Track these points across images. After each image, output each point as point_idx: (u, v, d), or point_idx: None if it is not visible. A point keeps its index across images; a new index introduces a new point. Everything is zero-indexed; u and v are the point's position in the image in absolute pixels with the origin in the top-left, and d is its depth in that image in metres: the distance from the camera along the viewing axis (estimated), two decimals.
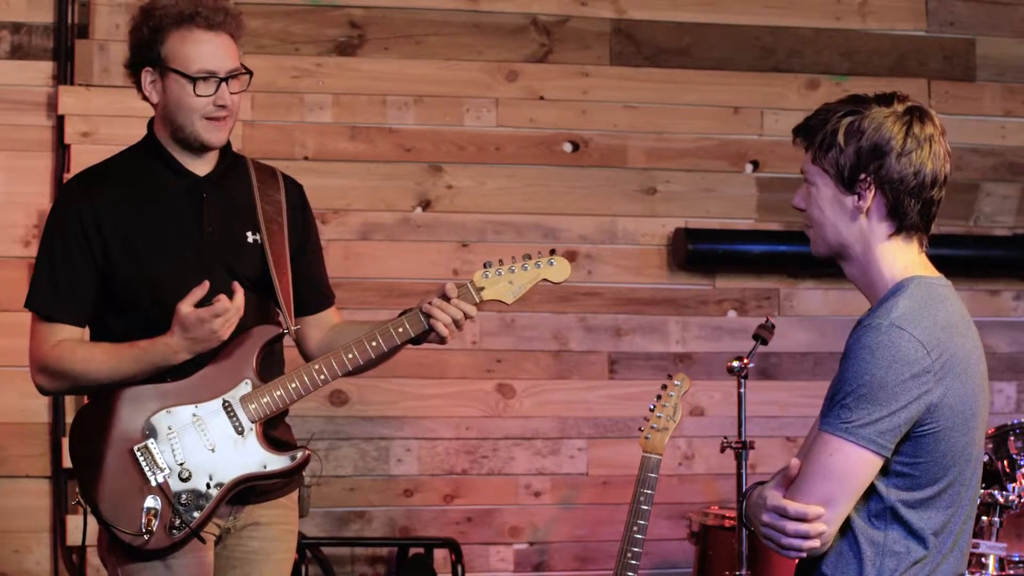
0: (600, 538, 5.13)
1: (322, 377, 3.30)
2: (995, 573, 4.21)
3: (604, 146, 5.21)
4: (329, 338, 3.48)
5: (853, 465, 2.48)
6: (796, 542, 2.52)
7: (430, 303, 3.32)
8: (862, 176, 2.56)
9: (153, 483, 3.19)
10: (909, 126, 2.56)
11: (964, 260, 5.33)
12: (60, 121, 4.83)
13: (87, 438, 3.23)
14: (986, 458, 4.28)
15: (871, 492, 2.53)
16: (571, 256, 5.10)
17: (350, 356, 3.31)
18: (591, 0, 5.22)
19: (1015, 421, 4.41)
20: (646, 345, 5.23)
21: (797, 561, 2.63)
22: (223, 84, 3.28)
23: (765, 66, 5.34)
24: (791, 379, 5.31)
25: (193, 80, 3.25)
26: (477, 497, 5.11)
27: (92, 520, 3.22)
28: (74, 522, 4.72)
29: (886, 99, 2.60)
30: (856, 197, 2.58)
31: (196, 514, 3.20)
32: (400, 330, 3.33)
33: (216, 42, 3.28)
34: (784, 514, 2.52)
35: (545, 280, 3.42)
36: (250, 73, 3.36)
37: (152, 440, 3.21)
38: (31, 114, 4.83)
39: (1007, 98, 5.47)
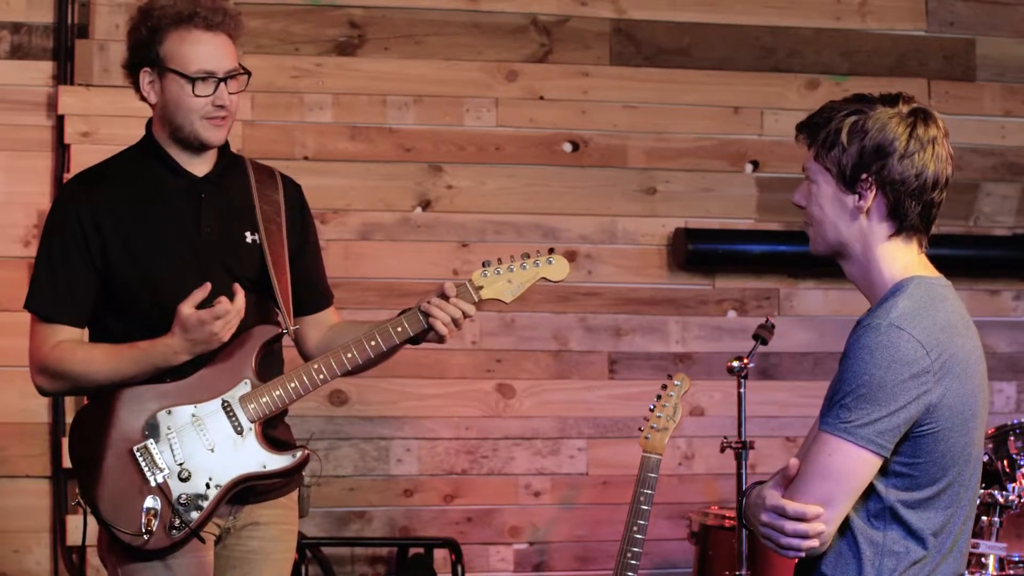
0: (600, 538, 5.13)
1: (321, 377, 3.30)
2: (995, 573, 4.21)
3: (604, 146, 5.21)
4: (328, 338, 3.48)
5: (852, 465, 2.48)
6: (795, 542, 2.52)
7: (429, 302, 3.32)
8: (864, 176, 2.56)
9: (153, 483, 3.19)
10: (913, 128, 2.56)
11: (964, 260, 5.33)
12: (60, 121, 4.83)
13: (87, 438, 3.23)
14: (986, 458, 4.29)
15: (870, 492, 2.53)
16: (571, 256, 5.10)
17: (349, 356, 3.31)
18: (591, 0, 5.22)
19: (1015, 421, 4.41)
20: (646, 345, 5.23)
21: (796, 561, 2.63)
22: (222, 84, 3.28)
23: (765, 66, 5.34)
24: (791, 379, 5.31)
25: (192, 80, 3.26)
26: (477, 497, 5.11)
27: (92, 520, 3.22)
28: (74, 522, 4.72)
29: (891, 99, 2.60)
30: (857, 197, 2.58)
31: (196, 514, 3.20)
32: (399, 329, 3.33)
33: (215, 42, 3.28)
34: (783, 514, 2.52)
35: (544, 279, 3.42)
36: (248, 73, 3.36)
37: (152, 440, 3.21)
38: (31, 114, 4.83)
39: (1007, 98, 5.47)
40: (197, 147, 3.33)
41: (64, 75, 4.84)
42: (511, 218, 5.14)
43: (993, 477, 4.34)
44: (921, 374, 2.47)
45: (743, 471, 4.31)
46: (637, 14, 5.25)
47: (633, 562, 4.09)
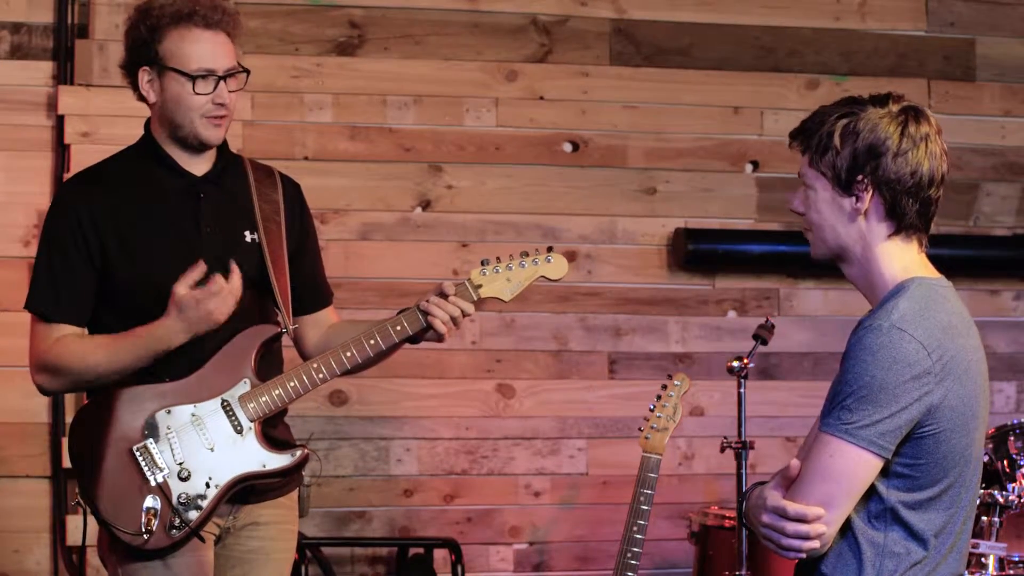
0: (600, 538, 5.13)
1: (321, 376, 3.30)
2: (995, 573, 4.21)
3: (604, 146, 5.21)
4: (327, 337, 3.48)
5: (853, 466, 2.48)
6: (796, 543, 2.52)
7: (428, 301, 3.33)
8: (859, 177, 2.56)
9: (152, 483, 3.19)
10: (904, 126, 2.56)
11: (964, 260, 5.33)
12: (60, 121, 4.83)
13: (86, 438, 3.23)
14: (986, 458, 4.29)
15: (871, 493, 2.53)
16: (571, 256, 5.10)
17: (348, 355, 3.31)
18: (591, 0, 5.22)
19: (1015, 421, 4.41)
20: (646, 345, 5.23)
21: (796, 561, 2.63)
22: (221, 82, 3.28)
23: (765, 66, 5.34)
24: (791, 379, 5.31)
25: (192, 78, 3.26)
26: (477, 497, 5.11)
27: (92, 520, 3.22)
28: (74, 522, 4.72)
29: (881, 100, 2.60)
30: (854, 199, 2.58)
31: (195, 513, 3.20)
32: (398, 328, 3.33)
33: (214, 40, 3.28)
34: (784, 515, 2.52)
35: (543, 277, 3.42)
36: (247, 72, 3.36)
37: (151, 440, 3.21)
38: (31, 114, 4.83)
39: (1007, 98, 5.47)
40: (196, 146, 3.33)
41: (64, 75, 4.84)
42: (511, 218, 5.14)
43: (993, 477, 4.34)
44: (922, 375, 2.47)
45: (743, 471, 4.32)
46: (637, 14, 5.25)
47: (633, 562, 4.09)
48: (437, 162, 5.10)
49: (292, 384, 3.29)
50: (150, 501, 3.17)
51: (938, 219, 2.64)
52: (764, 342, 4.29)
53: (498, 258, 3.41)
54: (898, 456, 2.50)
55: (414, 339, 3.37)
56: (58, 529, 4.79)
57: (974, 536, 4.15)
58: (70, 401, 4.74)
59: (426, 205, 5.09)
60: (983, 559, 4.21)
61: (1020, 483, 4.30)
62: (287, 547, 3.44)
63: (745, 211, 5.30)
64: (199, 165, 3.37)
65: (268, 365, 3.35)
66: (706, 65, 5.30)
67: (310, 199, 3.56)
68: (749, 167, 5.31)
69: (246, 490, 3.30)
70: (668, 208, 5.25)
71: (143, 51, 3.29)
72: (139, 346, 3.22)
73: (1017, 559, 4.27)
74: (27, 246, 4.73)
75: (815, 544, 2.51)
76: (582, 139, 5.20)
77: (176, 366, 3.25)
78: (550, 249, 3.44)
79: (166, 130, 3.33)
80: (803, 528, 2.50)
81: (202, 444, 3.23)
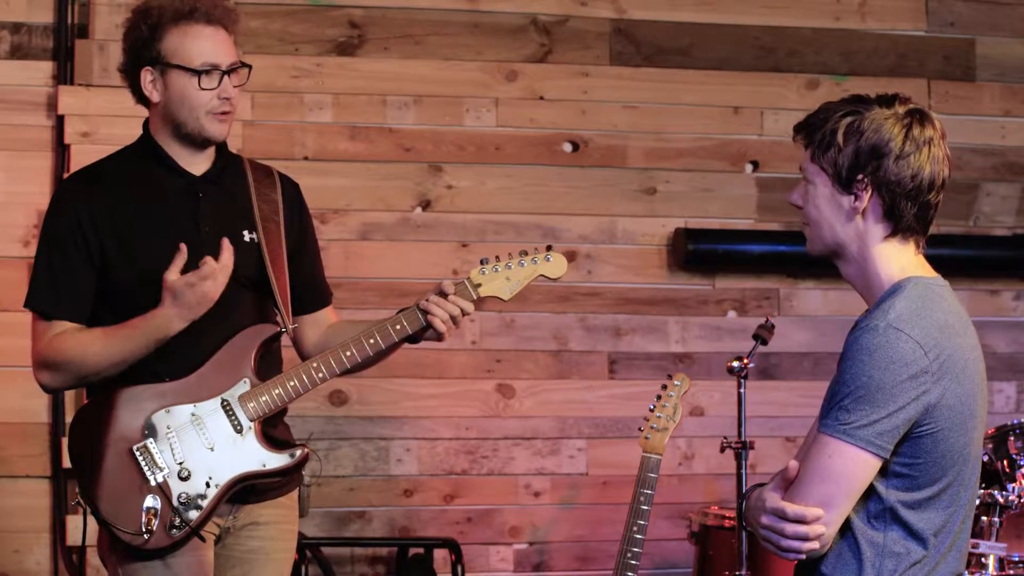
0: (600, 538, 5.13)
1: (320, 375, 3.30)
2: (995, 573, 4.21)
3: (604, 146, 5.21)
4: (326, 337, 3.48)
5: (852, 467, 2.48)
6: (795, 544, 2.52)
7: (427, 300, 3.33)
8: (859, 177, 2.56)
9: (152, 482, 3.19)
10: (909, 128, 2.56)
11: (964, 260, 5.33)
12: (60, 121, 4.83)
13: (86, 438, 3.23)
14: (986, 458, 4.29)
15: (870, 493, 2.53)
16: (571, 256, 5.10)
17: (348, 354, 3.31)
18: (591, 0, 5.22)
19: (1015, 421, 4.41)
20: (646, 345, 5.23)
21: (796, 562, 2.63)
22: (225, 77, 3.29)
23: (765, 66, 5.34)
24: (791, 379, 5.31)
25: (197, 73, 3.26)
26: (477, 497, 5.11)
27: (92, 520, 3.22)
28: (74, 522, 4.72)
29: (887, 100, 2.60)
30: (853, 197, 2.58)
31: (195, 513, 3.20)
32: (398, 327, 3.33)
33: (216, 36, 3.30)
34: (783, 516, 2.52)
35: (542, 276, 3.42)
36: (249, 67, 3.37)
37: (151, 440, 3.21)
38: (31, 114, 4.83)
39: (1007, 98, 5.47)
40: (200, 143, 3.33)
41: (64, 75, 4.84)
42: (511, 218, 5.14)
43: (993, 477, 4.34)
44: (919, 375, 2.47)
45: (743, 471, 4.31)
46: (637, 14, 5.25)
47: (633, 562, 4.09)
48: (437, 162, 5.10)
49: (292, 384, 3.29)
50: (150, 501, 3.17)
51: (938, 219, 2.64)
52: (764, 342, 4.29)
53: (497, 257, 3.41)
54: (896, 456, 2.50)
55: (414, 339, 3.37)
56: (58, 529, 4.79)
57: (974, 536, 4.15)
58: (70, 401, 4.75)
59: (426, 205, 5.09)
60: (983, 559, 4.21)
61: (1020, 483, 4.30)
62: (287, 547, 3.45)
63: (745, 211, 5.30)
64: (198, 165, 3.37)
65: (268, 365, 3.35)
66: (706, 65, 5.30)
67: (310, 199, 3.56)
68: (749, 167, 5.31)
69: (246, 490, 3.30)
70: (668, 208, 5.25)
71: (145, 51, 3.30)
72: (137, 336, 3.21)
73: (1017, 559, 4.27)
74: (27, 246, 4.73)
75: (814, 545, 2.51)
76: (582, 139, 5.20)
77: (176, 366, 3.26)
78: (549, 248, 3.44)
79: (169, 129, 3.33)
80: (802, 529, 2.50)
81: (202, 444, 3.23)
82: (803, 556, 2.54)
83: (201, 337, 3.24)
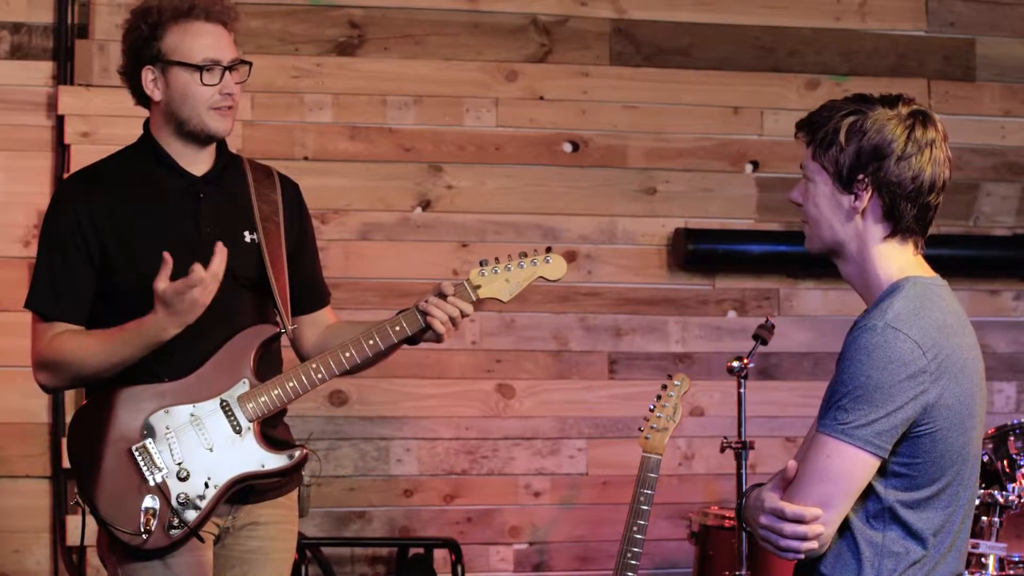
0: (600, 538, 5.13)
1: (320, 376, 3.30)
2: (995, 573, 4.21)
3: (604, 146, 5.21)
4: (324, 338, 3.48)
5: (850, 466, 2.48)
6: (794, 544, 2.52)
7: (427, 301, 3.33)
8: (860, 176, 2.56)
9: (151, 483, 3.19)
10: (911, 130, 2.56)
11: (964, 260, 5.33)
12: (60, 121, 4.83)
13: (85, 438, 3.23)
14: (986, 458, 4.29)
15: (869, 493, 2.53)
16: (571, 256, 5.10)
17: (347, 355, 3.31)
18: (591, 0, 5.22)
19: (1015, 421, 4.41)
20: (646, 345, 5.23)
21: (796, 562, 2.63)
22: (227, 72, 3.30)
23: (765, 66, 5.34)
24: (791, 379, 5.31)
25: (199, 69, 3.27)
26: (477, 497, 5.11)
27: (91, 520, 3.22)
28: (74, 522, 4.72)
29: (891, 101, 2.60)
30: (852, 197, 2.58)
31: (194, 513, 3.20)
32: (397, 328, 3.33)
33: (216, 33, 3.31)
34: (781, 516, 2.52)
35: (542, 278, 3.42)
36: (250, 64, 3.37)
37: (150, 440, 3.21)
38: (31, 114, 4.84)
39: (1007, 98, 5.47)
40: (203, 140, 3.33)
41: (64, 75, 4.85)
42: (511, 218, 5.14)
43: (993, 477, 4.34)
44: (918, 374, 2.47)
45: (743, 471, 4.32)
46: (637, 14, 5.25)
47: (633, 562, 4.09)
48: (437, 162, 5.10)
49: (291, 384, 3.29)
50: (149, 501, 3.18)
51: (938, 219, 2.64)
52: (764, 342, 4.29)
53: (497, 258, 3.41)
54: (895, 455, 2.50)
55: (413, 340, 3.37)
56: (58, 529, 4.79)
57: (974, 536, 4.15)
58: (70, 401, 4.75)
59: (426, 205, 5.09)
60: (983, 559, 4.21)
61: (1020, 483, 4.30)
62: (287, 547, 3.45)
63: (745, 211, 5.30)
64: (199, 165, 3.37)
65: (267, 365, 3.35)
66: (706, 65, 5.30)
67: (310, 199, 3.56)
68: (749, 167, 5.31)
69: (245, 490, 3.30)
70: (668, 208, 5.25)
71: (145, 50, 3.30)
72: (132, 340, 3.21)
73: (1017, 559, 4.27)
74: (27, 246, 4.73)
75: (813, 545, 2.51)
76: (582, 139, 5.20)
77: (175, 366, 3.26)
78: (549, 249, 3.44)
79: (171, 127, 3.33)
80: (801, 529, 2.50)
81: (201, 444, 3.23)
82: (802, 556, 2.54)
83: (200, 338, 3.24)
